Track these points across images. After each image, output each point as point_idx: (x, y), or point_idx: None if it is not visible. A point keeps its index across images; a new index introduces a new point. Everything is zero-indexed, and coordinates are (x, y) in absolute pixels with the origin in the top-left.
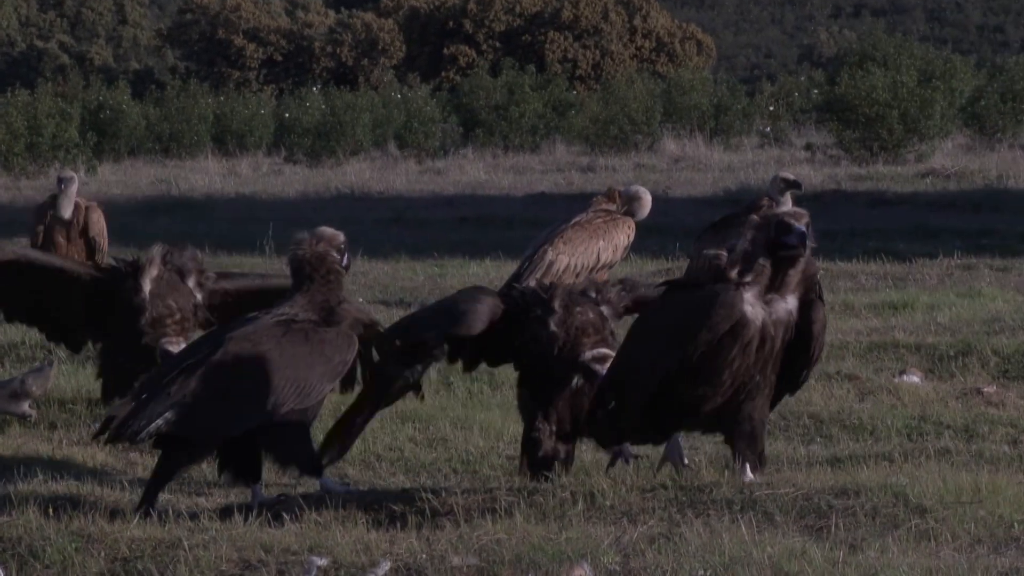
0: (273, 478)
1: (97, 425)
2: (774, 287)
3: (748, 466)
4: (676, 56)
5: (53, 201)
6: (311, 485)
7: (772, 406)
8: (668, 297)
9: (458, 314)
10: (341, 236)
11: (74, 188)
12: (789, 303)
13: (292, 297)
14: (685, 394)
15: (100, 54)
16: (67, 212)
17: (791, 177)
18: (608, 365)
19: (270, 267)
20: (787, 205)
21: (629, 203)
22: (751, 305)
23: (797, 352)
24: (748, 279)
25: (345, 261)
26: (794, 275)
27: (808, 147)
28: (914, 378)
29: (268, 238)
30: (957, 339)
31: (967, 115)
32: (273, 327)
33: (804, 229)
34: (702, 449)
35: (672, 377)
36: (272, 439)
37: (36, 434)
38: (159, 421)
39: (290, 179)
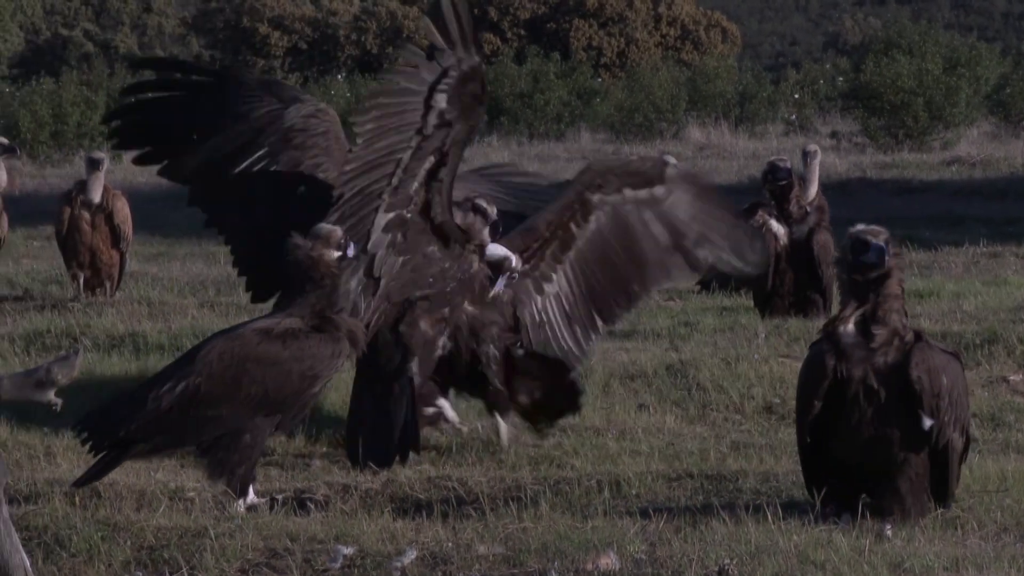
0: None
1: None
2: (876, 321)
3: (888, 524)
4: (701, 44)
5: (81, 187)
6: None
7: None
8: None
9: None
10: (339, 232)
11: (104, 170)
12: (889, 354)
13: (285, 303)
14: (835, 449)
15: (125, 42)
16: (96, 195)
17: (813, 147)
18: None
19: None
20: (815, 173)
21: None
22: (851, 355)
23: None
24: (849, 324)
25: (351, 251)
26: (891, 301)
27: (833, 135)
28: None
29: None
30: (983, 327)
31: (992, 103)
32: (252, 335)
33: (883, 245)
34: (727, 439)
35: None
36: (220, 444)
37: (61, 423)
38: (131, 426)
39: None
